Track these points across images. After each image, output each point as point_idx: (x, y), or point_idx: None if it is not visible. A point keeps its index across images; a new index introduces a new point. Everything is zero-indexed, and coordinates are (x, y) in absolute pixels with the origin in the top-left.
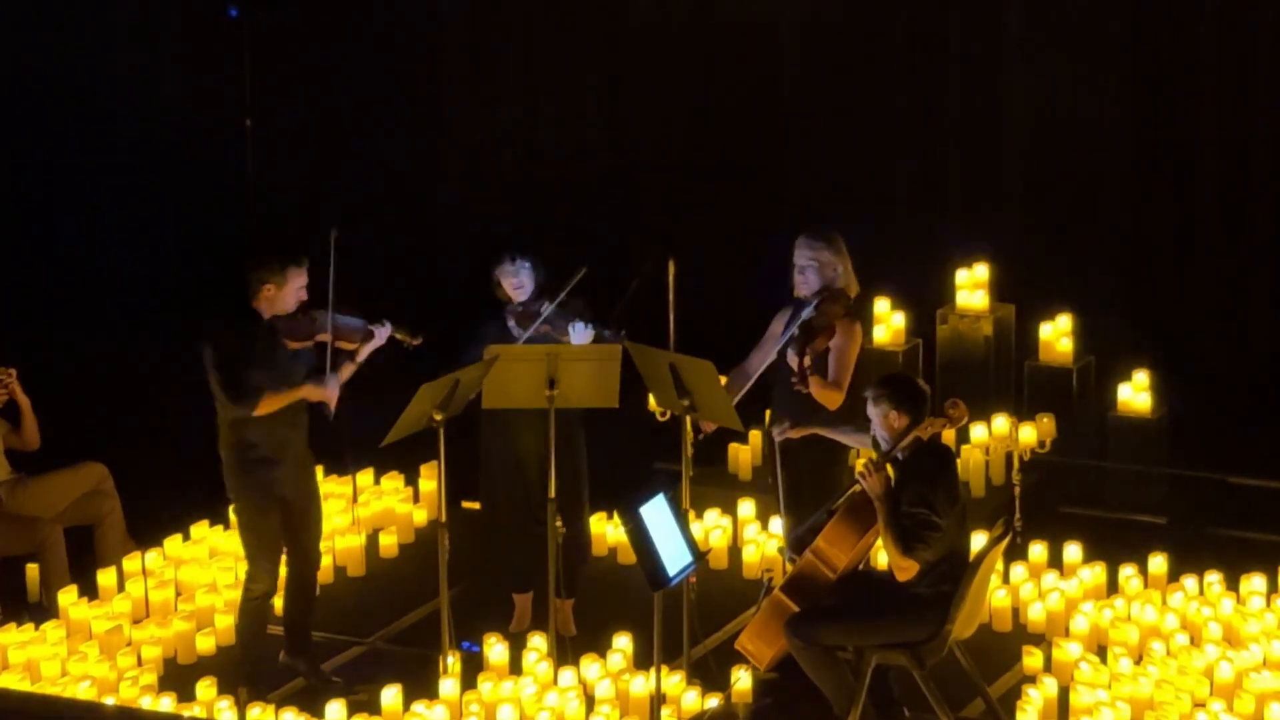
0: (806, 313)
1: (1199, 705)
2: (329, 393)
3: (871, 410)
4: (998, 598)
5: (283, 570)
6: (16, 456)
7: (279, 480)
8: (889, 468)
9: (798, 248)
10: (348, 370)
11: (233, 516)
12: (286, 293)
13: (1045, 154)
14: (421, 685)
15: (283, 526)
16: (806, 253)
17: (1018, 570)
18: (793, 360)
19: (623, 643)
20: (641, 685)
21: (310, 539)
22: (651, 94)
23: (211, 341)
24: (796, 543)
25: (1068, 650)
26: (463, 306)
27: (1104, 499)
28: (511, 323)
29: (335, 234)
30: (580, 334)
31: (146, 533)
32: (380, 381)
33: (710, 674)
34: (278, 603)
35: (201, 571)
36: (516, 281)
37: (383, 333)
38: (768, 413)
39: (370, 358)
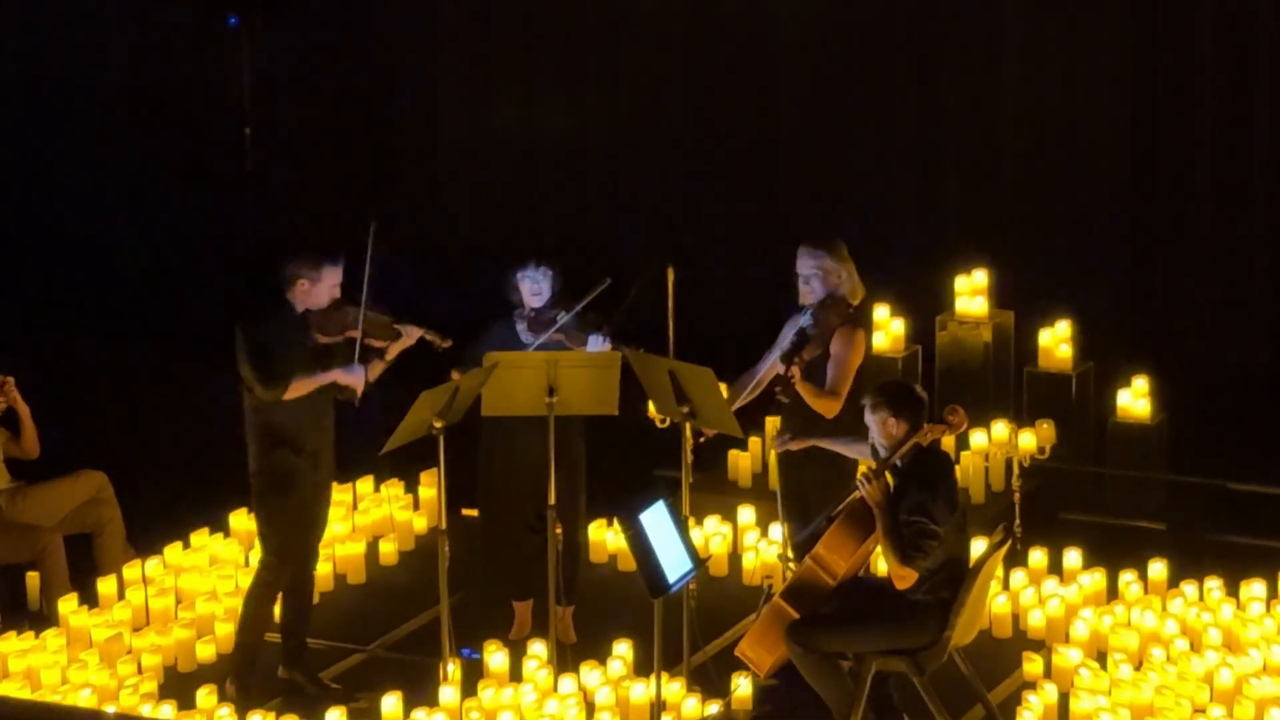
0: (803, 320)
1: (1199, 711)
2: (356, 379)
3: (869, 418)
4: (998, 604)
5: None
6: (16, 465)
7: (297, 468)
8: (888, 475)
9: (800, 257)
10: (378, 369)
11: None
12: (320, 289)
13: (1044, 161)
14: (421, 692)
15: (296, 515)
16: (810, 262)
17: (1018, 576)
18: (779, 368)
19: (623, 650)
20: (642, 692)
21: (311, 538)
22: (650, 101)
23: (245, 326)
24: (799, 550)
25: (1068, 656)
26: (463, 309)
27: (1104, 505)
28: (522, 326)
29: (374, 226)
30: (597, 345)
31: (146, 541)
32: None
33: (710, 681)
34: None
35: (201, 579)
36: (536, 288)
37: (411, 332)
38: (767, 420)
39: (402, 361)
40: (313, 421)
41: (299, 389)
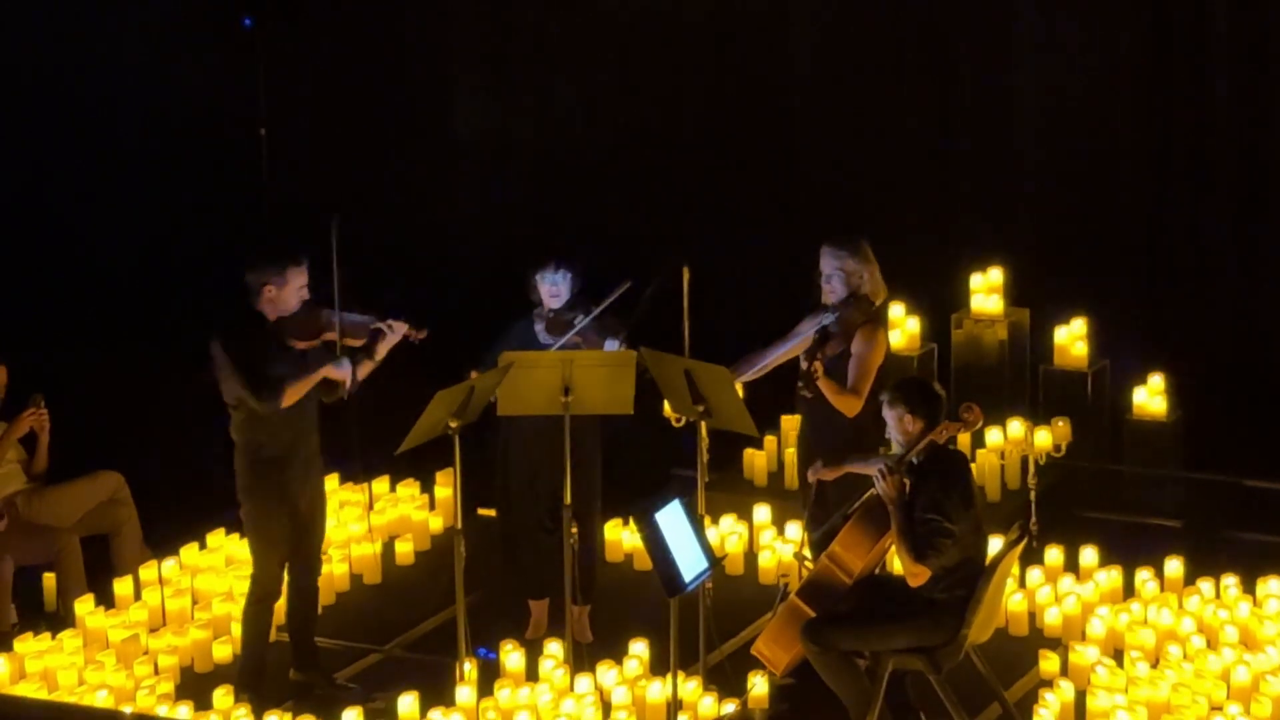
0: (825, 319)
1: (1216, 709)
2: (345, 373)
3: (886, 414)
4: (1014, 602)
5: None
6: (31, 466)
7: (289, 481)
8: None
9: (822, 256)
10: (367, 368)
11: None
12: (288, 293)
13: (1059, 158)
14: (438, 692)
15: (290, 529)
16: (832, 261)
17: (1034, 574)
18: (803, 363)
19: (639, 649)
20: (658, 691)
21: (313, 544)
22: (664, 101)
23: (224, 342)
24: (815, 548)
25: (1084, 654)
26: (476, 310)
27: (1120, 502)
28: (540, 327)
29: (336, 221)
30: (614, 350)
31: (163, 541)
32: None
33: (727, 679)
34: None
35: (218, 580)
36: (554, 289)
37: (399, 327)
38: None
39: (405, 362)
40: (301, 433)
41: (294, 394)
